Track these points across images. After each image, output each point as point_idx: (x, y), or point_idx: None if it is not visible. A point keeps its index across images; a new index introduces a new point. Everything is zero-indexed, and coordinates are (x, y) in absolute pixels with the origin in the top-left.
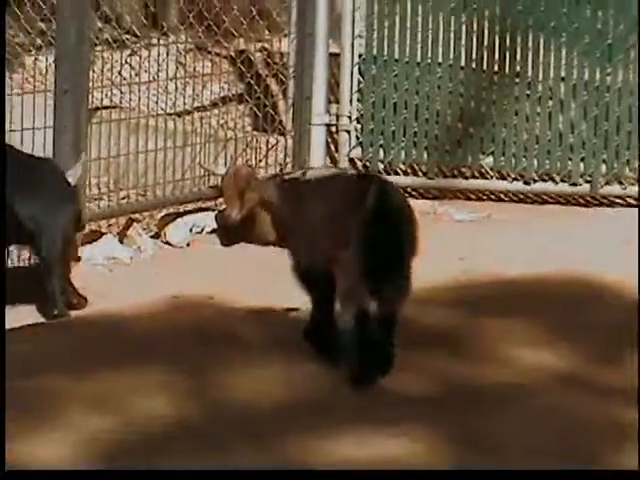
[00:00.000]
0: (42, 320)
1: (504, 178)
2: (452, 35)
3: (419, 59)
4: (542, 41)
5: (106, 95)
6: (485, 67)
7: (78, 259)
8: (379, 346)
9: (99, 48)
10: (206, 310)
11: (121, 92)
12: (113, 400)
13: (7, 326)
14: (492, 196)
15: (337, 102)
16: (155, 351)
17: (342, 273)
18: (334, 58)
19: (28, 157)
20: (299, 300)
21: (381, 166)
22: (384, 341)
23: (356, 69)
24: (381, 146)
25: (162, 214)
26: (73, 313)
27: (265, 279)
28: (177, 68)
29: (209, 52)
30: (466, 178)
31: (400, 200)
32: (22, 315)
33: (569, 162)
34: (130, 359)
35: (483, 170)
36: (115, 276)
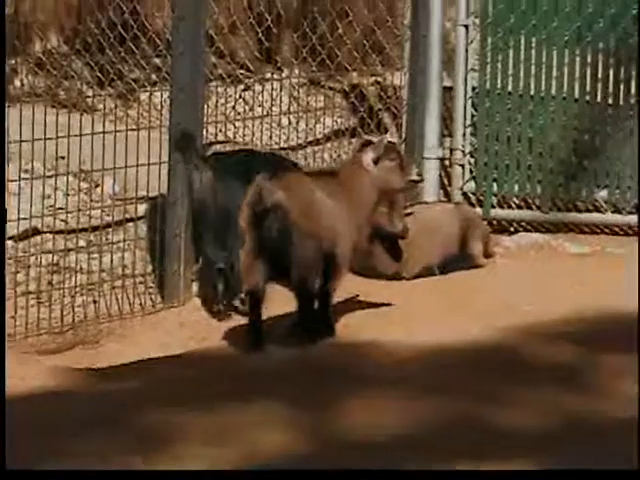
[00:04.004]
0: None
1: (619, 211)
2: (566, 68)
3: (532, 92)
4: None
5: (220, 130)
6: (599, 100)
7: None
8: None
9: (213, 83)
10: (328, 344)
11: (235, 127)
12: (232, 434)
13: None
14: (606, 229)
15: (450, 136)
16: (278, 386)
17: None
18: (447, 91)
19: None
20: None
21: (495, 200)
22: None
23: (469, 102)
24: (495, 180)
25: None
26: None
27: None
28: (290, 102)
29: (322, 86)
30: (580, 211)
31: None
32: None
33: None
34: (252, 393)
35: (597, 203)
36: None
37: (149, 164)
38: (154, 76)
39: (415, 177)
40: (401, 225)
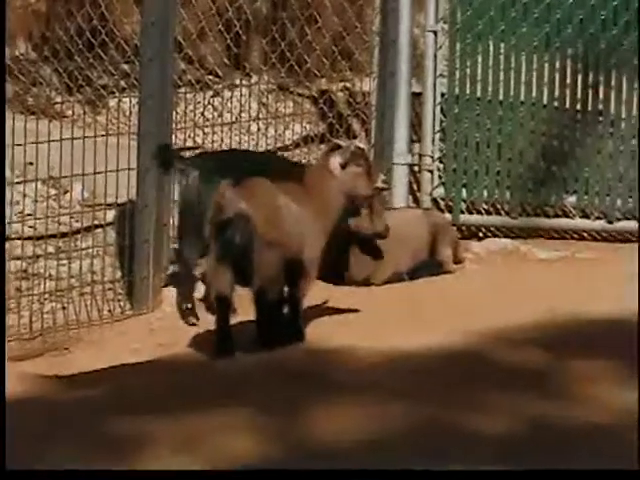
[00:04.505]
0: None
1: (587, 217)
2: (534, 73)
3: (501, 98)
4: (625, 79)
5: (189, 136)
6: (568, 105)
7: None
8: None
9: (182, 89)
10: (296, 350)
11: (204, 133)
12: (201, 440)
13: None
14: (575, 235)
15: (419, 141)
16: (246, 391)
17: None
18: (416, 97)
19: None
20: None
21: (464, 205)
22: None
23: (438, 108)
24: (464, 185)
25: None
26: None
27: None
28: (259, 108)
29: (291, 92)
30: (549, 217)
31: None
32: None
33: None
34: (220, 399)
35: (566, 209)
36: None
37: (118, 170)
38: (123, 82)
39: (381, 184)
40: (381, 225)
